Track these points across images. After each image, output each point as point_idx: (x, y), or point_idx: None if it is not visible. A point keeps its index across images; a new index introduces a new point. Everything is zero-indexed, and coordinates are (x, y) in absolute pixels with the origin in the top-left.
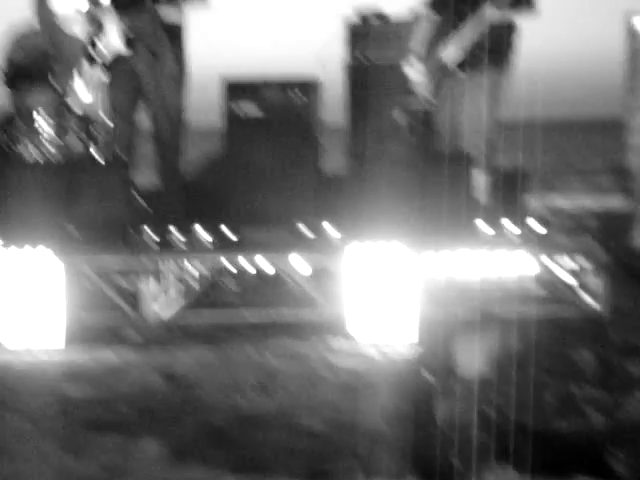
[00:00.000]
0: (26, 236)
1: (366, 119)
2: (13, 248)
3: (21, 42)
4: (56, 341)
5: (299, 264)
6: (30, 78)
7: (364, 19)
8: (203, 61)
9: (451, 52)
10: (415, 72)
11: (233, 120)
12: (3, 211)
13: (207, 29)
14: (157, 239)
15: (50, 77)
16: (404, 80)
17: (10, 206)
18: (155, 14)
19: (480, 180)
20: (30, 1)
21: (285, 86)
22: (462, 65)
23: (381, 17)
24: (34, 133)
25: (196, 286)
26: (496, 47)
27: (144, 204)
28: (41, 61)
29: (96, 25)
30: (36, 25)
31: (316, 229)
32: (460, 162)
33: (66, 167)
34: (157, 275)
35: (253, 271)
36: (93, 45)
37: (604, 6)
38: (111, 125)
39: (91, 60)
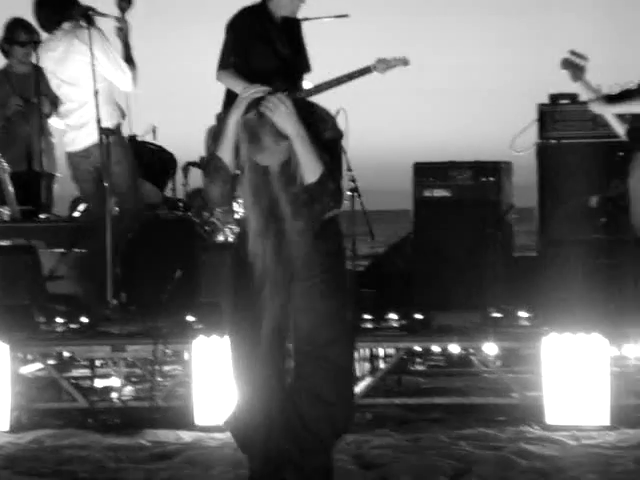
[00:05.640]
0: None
1: (557, 201)
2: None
3: None
4: None
5: (491, 350)
6: None
7: (554, 99)
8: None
9: None
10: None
11: (422, 202)
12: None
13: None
14: None
15: None
16: (596, 161)
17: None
18: None
19: None
20: None
21: (474, 167)
22: None
23: (571, 97)
24: None
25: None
26: None
27: None
28: None
29: None
30: None
31: (508, 314)
32: None
33: None
34: None
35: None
36: None
37: None
38: None
39: None
